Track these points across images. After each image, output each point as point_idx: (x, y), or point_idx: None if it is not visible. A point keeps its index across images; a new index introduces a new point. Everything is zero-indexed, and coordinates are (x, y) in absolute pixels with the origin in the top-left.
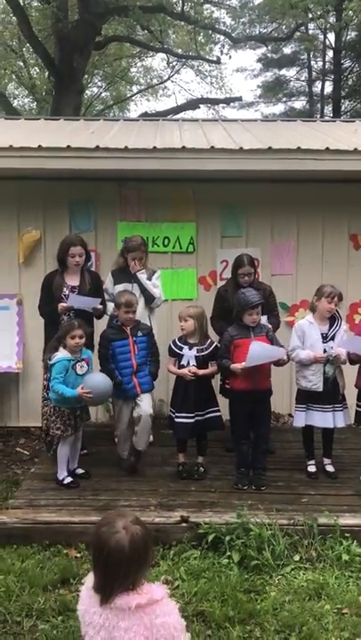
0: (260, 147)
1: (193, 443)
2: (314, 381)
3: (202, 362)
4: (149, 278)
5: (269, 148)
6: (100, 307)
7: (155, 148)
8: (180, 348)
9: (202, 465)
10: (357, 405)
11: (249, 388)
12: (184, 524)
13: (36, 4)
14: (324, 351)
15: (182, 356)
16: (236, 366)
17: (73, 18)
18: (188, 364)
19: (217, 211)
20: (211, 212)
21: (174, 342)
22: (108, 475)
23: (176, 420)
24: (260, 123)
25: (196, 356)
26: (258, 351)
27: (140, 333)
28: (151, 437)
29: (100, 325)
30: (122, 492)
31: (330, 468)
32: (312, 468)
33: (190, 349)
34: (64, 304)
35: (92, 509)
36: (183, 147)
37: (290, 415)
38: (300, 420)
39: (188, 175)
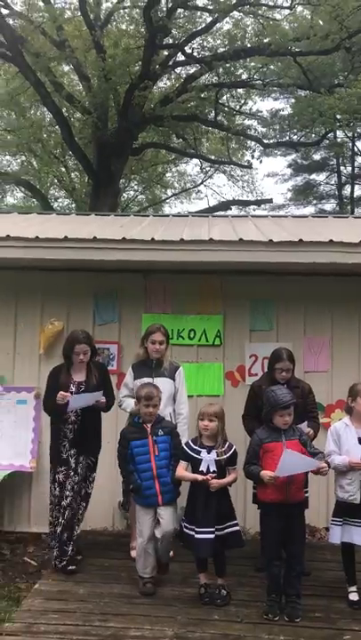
0: (291, 239)
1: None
2: (351, 492)
3: (221, 467)
4: (172, 374)
5: (300, 240)
6: (102, 399)
7: (182, 240)
8: (198, 452)
9: (224, 587)
10: None
11: (281, 499)
12: None
13: (78, 115)
14: None
15: (200, 460)
16: (267, 473)
17: (112, 126)
18: (208, 469)
19: (246, 304)
20: (239, 305)
21: (188, 445)
22: (120, 595)
23: (197, 536)
24: (290, 218)
25: (216, 461)
26: (290, 461)
27: (160, 432)
28: (171, 552)
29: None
30: (134, 619)
31: None
32: (354, 597)
33: (209, 453)
34: (64, 393)
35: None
36: (211, 239)
37: (326, 529)
38: (335, 535)
39: (215, 267)
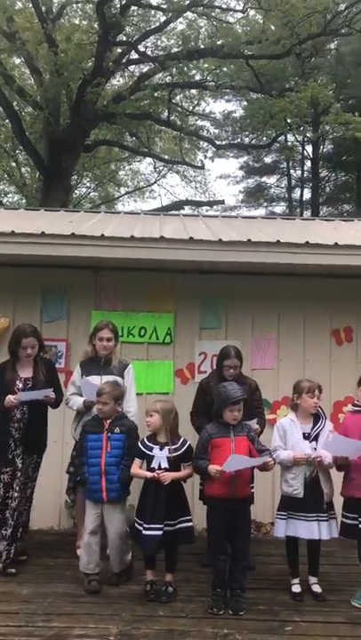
0: (240, 239)
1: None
2: (295, 486)
3: (173, 463)
4: (120, 372)
5: (248, 240)
6: (52, 395)
7: (132, 237)
8: (150, 449)
9: (171, 584)
10: (343, 516)
11: (227, 494)
12: None
13: (29, 109)
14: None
15: (152, 457)
16: (214, 467)
17: (64, 121)
18: (160, 466)
19: (196, 302)
20: (190, 303)
21: (142, 442)
22: (65, 594)
23: (144, 532)
24: (240, 219)
25: (167, 457)
26: (235, 462)
27: (117, 430)
28: (129, 556)
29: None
30: (78, 618)
31: (316, 589)
32: (297, 588)
33: (161, 450)
34: (12, 397)
35: None
36: (161, 236)
37: (272, 524)
38: (280, 529)
39: (166, 265)
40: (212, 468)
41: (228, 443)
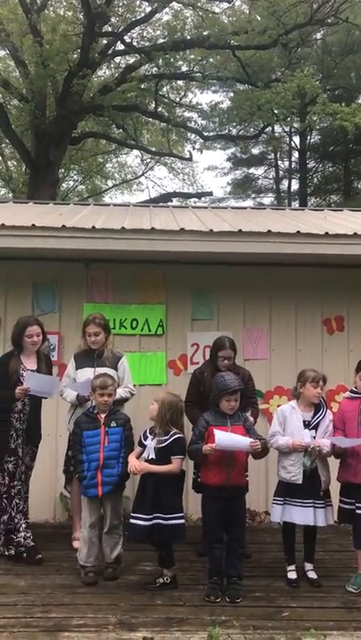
0: (231, 229)
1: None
2: (293, 472)
3: (161, 455)
4: (114, 364)
5: (240, 230)
6: (58, 387)
7: (123, 228)
8: (146, 438)
9: (167, 575)
10: (340, 501)
11: (222, 482)
12: None
13: (15, 102)
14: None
15: (146, 447)
16: (208, 445)
17: (51, 114)
18: (149, 456)
19: (188, 293)
20: (181, 295)
21: (144, 432)
22: (62, 585)
23: (130, 520)
24: (230, 210)
25: (154, 448)
26: (224, 438)
27: (113, 424)
28: (120, 546)
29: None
30: (77, 608)
31: (312, 575)
32: (293, 575)
33: (152, 440)
34: (21, 387)
35: (39, 631)
36: (152, 228)
37: (266, 513)
38: (276, 514)
39: (157, 257)
40: (206, 446)
41: (225, 431)
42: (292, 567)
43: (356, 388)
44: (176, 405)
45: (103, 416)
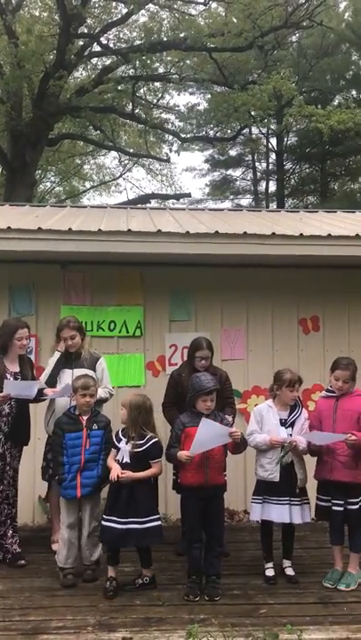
0: (207, 231)
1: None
2: (270, 470)
3: (136, 460)
4: (92, 365)
5: (216, 232)
6: (45, 389)
7: (99, 230)
8: (119, 441)
9: (147, 576)
10: (317, 499)
11: (200, 482)
12: None
13: None
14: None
15: (119, 449)
16: (183, 453)
17: (27, 115)
18: (122, 459)
19: (165, 295)
20: (159, 296)
21: (117, 433)
22: (41, 588)
23: (103, 523)
24: (207, 211)
25: (130, 452)
26: (205, 432)
27: (95, 426)
28: (99, 549)
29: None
30: (55, 610)
31: (290, 572)
32: (270, 572)
33: (127, 443)
34: (1, 395)
35: (18, 634)
36: (129, 230)
37: (245, 512)
38: (256, 513)
39: (134, 259)
40: (182, 454)
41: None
42: (270, 564)
43: (331, 387)
44: (143, 405)
45: (85, 418)
